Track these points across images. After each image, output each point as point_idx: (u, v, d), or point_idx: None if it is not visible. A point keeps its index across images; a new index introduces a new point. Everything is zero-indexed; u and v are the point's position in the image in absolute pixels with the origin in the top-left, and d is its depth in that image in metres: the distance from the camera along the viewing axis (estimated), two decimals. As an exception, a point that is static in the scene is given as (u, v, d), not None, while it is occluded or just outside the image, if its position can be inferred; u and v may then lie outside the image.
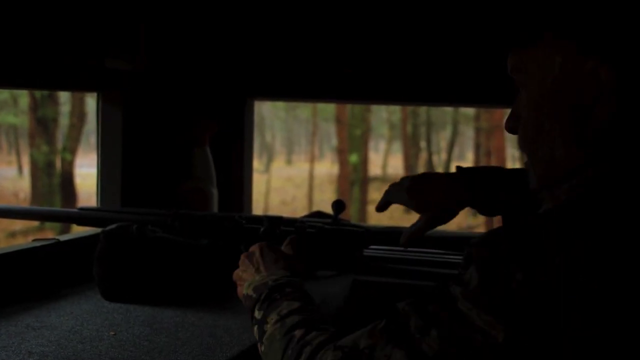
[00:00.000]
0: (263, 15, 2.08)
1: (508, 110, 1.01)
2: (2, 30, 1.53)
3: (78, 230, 1.87)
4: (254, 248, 1.24)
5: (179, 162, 2.06)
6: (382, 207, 1.34)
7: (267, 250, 1.23)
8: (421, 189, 1.28)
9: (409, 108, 14.39)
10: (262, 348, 1.05)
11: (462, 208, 1.28)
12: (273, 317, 1.05)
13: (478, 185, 1.27)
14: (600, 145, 0.87)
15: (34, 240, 1.73)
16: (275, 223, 1.54)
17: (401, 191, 1.29)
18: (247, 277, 1.20)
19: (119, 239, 1.59)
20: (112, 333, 1.37)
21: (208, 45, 2.10)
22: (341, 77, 2.09)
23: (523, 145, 0.97)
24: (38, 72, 1.66)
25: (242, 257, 1.24)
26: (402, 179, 1.32)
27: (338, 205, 1.56)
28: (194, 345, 1.31)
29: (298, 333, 0.99)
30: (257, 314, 1.09)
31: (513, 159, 11.16)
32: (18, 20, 1.56)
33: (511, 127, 1.00)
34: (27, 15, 1.59)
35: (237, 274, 1.23)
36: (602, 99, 0.86)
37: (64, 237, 1.76)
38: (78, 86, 1.83)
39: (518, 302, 0.77)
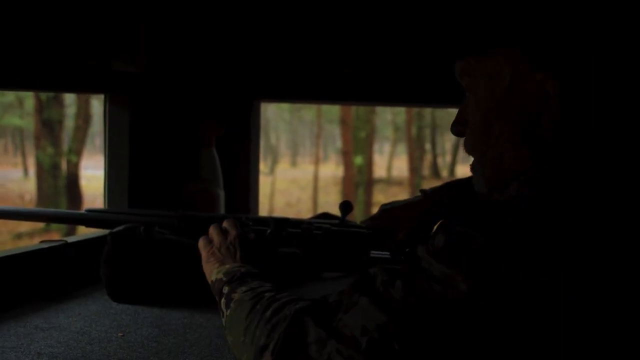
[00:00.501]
0: (269, 16, 2.09)
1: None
2: (8, 33, 1.53)
3: (85, 232, 1.87)
4: (233, 234, 1.27)
5: (185, 164, 2.06)
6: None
7: (246, 243, 1.26)
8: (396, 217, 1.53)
9: (414, 110, 14.38)
10: (228, 312, 1.07)
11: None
12: (243, 288, 1.08)
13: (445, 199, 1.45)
14: (547, 149, 0.91)
15: (42, 241, 1.73)
16: (281, 225, 1.54)
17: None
18: (216, 261, 1.22)
19: (126, 241, 1.59)
20: (121, 334, 1.37)
21: (214, 47, 2.10)
22: (347, 78, 2.09)
23: (471, 149, 1.00)
24: (45, 74, 1.66)
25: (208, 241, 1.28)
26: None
27: (345, 206, 1.56)
28: (203, 346, 1.31)
29: (268, 294, 1.03)
30: (225, 289, 1.11)
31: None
32: (24, 22, 1.57)
33: (457, 131, 1.03)
34: (33, 17, 1.59)
35: (207, 254, 1.26)
36: (549, 109, 0.90)
37: (71, 239, 1.77)
38: (85, 88, 1.84)
39: (478, 260, 0.80)
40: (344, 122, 13.56)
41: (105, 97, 1.93)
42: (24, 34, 1.57)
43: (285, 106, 14.99)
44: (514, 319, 0.79)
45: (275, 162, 15.44)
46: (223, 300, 1.11)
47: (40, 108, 11.24)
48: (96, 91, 1.92)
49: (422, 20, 2.02)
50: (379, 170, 16.37)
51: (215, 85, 2.13)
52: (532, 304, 0.79)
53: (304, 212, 12.49)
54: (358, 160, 14.05)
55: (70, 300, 1.60)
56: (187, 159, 2.07)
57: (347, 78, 2.08)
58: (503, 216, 0.83)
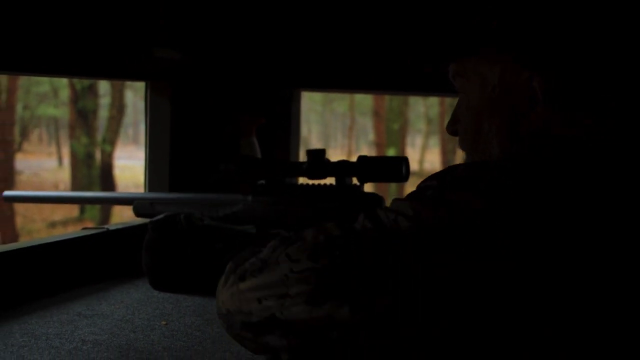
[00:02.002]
0: (312, 5, 2.07)
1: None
2: (51, 20, 1.53)
3: (126, 220, 1.88)
4: None
5: (225, 153, 2.05)
6: None
7: None
8: None
9: (447, 102, 14.30)
10: None
11: None
12: None
13: None
14: (532, 143, 0.95)
15: (84, 228, 1.73)
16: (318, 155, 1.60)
17: None
18: None
19: (167, 229, 1.58)
20: (164, 323, 1.36)
21: (255, 35, 2.09)
22: (391, 67, 2.06)
23: (463, 146, 1.05)
24: (86, 60, 1.66)
25: None
26: None
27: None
28: (246, 336, 1.30)
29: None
30: None
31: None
32: (66, 8, 1.56)
33: (452, 130, 1.08)
34: (76, 3, 1.58)
35: None
36: (536, 106, 0.94)
37: (112, 227, 1.76)
38: (127, 75, 1.83)
39: (427, 200, 0.86)
40: (377, 114, 13.51)
41: (146, 85, 1.92)
42: (66, 21, 1.56)
43: (317, 98, 14.97)
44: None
45: (307, 153, 15.41)
46: None
47: (75, 98, 11.35)
48: (138, 78, 1.91)
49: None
50: (411, 163, 16.29)
51: (256, 75, 2.12)
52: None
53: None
54: (391, 152, 14.00)
55: (112, 287, 1.59)
56: (227, 149, 2.05)
57: (391, 67, 2.06)
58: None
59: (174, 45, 1.88)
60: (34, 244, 1.54)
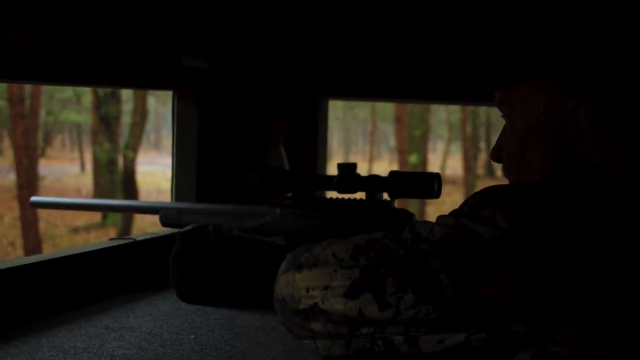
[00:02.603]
0: (338, 14, 2.04)
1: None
2: (79, 30, 1.51)
3: (153, 230, 1.86)
4: None
5: (252, 162, 2.03)
6: None
7: None
8: None
9: (469, 108, 14.23)
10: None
11: None
12: None
13: None
14: (572, 171, 0.96)
15: (111, 239, 1.72)
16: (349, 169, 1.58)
17: None
18: None
19: (195, 240, 1.56)
20: (193, 337, 1.34)
21: (282, 44, 2.07)
22: (419, 75, 2.03)
23: (507, 172, 1.07)
24: (115, 70, 1.64)
25: None
26: None
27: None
28: (277, 350, 1.27)
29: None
30: None
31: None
32: (96, 18, 1.55)
33: (496, 157, 1.10)
34: (105, 13, 1.57)
35: None
36: (581, 136, 0.95)
37: (140, 237, 1.74)
38: (154, 84, 1.81)
39: (464, 215, 0.90)
40: (399, 120, 13.48)
41: (173, 94, 1.90)
42: (94, 30, 1.55)
43: (339, 104, 14.95)
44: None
45: (328, 159, 15.44)
46: None
47: (97, 104, 11.42)
48: (165, 88, 1.89)
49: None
50: (433, 168, 16.24)
51: (283, 84, 2.10)
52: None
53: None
54: (413, 158, 13.96)
55: (139, 299, 1.57)
56: (254, 157, 2.03)
57: (419, 75, 2.03)
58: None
59: (201, 53, 1.86)
60: (60, 255, 1.53)
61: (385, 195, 1.57)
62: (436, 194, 1.52)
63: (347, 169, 1.56)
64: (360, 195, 1.59)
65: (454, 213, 0.92)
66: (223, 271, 1.55)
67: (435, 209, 13.67)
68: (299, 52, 2.09)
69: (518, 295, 0.84)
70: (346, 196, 1.59)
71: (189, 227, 1.57)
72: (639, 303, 0.82)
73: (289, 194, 1.61)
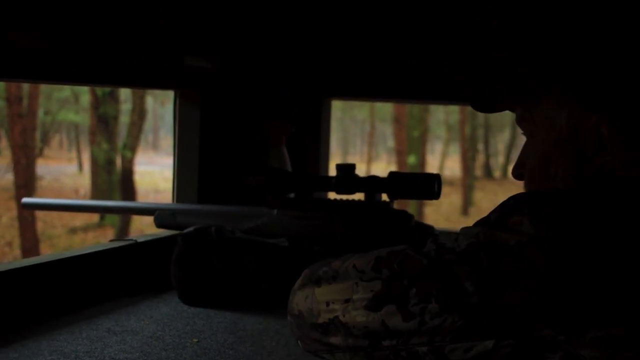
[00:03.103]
0: (340, 14, 2.02)
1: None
2: (81, 28, 1.49)
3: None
4: None
5: (254, 162, 2.01)
6: None
7: None
8: None
9: (468, 109, 14.22)
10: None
11: None
12: None
13: None
14: (596, 183, 0.96)
15: (111, 240, 1.70)
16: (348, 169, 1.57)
17: None
18: None
19: (197, 242, 1.54)
20: (195, 340, 1.31)
21: (285, 44, 2.05)
22: (422, 76, 2.01)
23: (529, 189, 1.06)
24: (116, 69, 1.62)
25: None
26: None
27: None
28: (282, 355, 1.25)
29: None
30: None
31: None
32: (98, 17, 1.53)
33: (518, 174, 1.09)
34: (106, 12, 1.55)
35: None
36: (603, 151, 0.95)
37: (140, 238, 1.72)
38: (156, 84, 1.79)
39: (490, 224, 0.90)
40: (398, 121, 13.45)
41: (175, 94, 1.88)
42: (96, 29, 1.53)
43: (337, 104, 14.93)
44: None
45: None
46: None
47: (95, 104, 11.38)
48: (167, 87, 1.87)
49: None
50: (431, 169, 16.20)
51: (286, 84, 2.08)
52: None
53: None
54: (411, 159, 13.94)
55: (140, 302, 1.55)
56: (256, 158, 2.02)
57: (422, 75, 2.01)
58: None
59: (203, 53, 1.84)
60: (60, 257, 1.51)
61: (385, 197, 1.55)
62: (436, 195, 1.51)
63: (346, 169, 1.55)
64: (359, 196, 1.58)
65: (479, 223, 0.92)
66: (225, 273, 1.53)
67: (433, 210, 13.66)
68: (301, 52, 2.07)
69: (544, 300, 0.84)
70: (345, 197, 1.58)
71: (190, 229, 1.55)
72: None
73: (287, 195, 1.60)
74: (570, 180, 0.98)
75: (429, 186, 1.50)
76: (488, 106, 1.12)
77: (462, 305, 0.88)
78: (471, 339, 0.88)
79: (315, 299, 1.03)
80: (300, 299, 1.07)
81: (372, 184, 1.54)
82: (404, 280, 0.92)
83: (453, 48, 1.95)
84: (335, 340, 1.01)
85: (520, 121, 1.06)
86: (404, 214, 1.55)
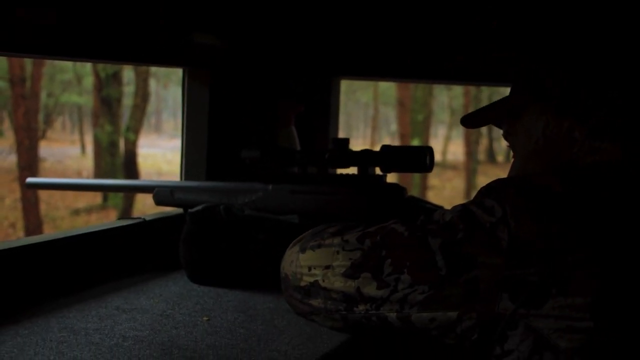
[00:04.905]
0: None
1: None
2: (91, 4, 1.47)
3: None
4: None
5: (263, 142, 1.99)
6: None
7: None
8: None
9: (472, 93, 14.18)
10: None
11: None
12: None
13: None
14: (562, 169, 1.06)
15: (120, 219, 1.68)
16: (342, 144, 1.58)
17: None
18: None
19: (206, 220, 1.52)
20: (206, 318, 1.30)
21: (294, 22, 2.03)
22: (430, 56, 1.99)
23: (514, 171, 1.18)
24: (126, 45, 1.60)
25: None
26: None
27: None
28: (293, 334, 1.24)
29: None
30: None
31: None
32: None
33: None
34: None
35: None
36: (579, 153, 1.05)
37: (149, 217, 1.71)
38: (166, 61, 1.77)
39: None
40: (401, 104, 13.40)
41: (184, 72, 1.86)
42: (107, 4, 1.50)
43: (341, 87, 14.89)
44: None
45: (329, 143, 15.35)
46: None
47: (99, 86, 11.34)
48: (176, 65, 1.85)
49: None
50: (435, 153, 16.17)
51: (295, 63, 2.06)
52: None
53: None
54: (415, 143, 13.90)
55: (149, 280, 1.54)
56: (265, 137, 2.00)
57: (430, 55, 1.99)
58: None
59: (214, 31, 1.82)
60: (69, 234, 1.50)
61: (378, 170, 1.55)
62: (428, 168, 1.50)
63: (340, 143, 1.56)
64: (354, 170, 1.58)
65: (466, 202, 1.03)
66: (235, 251, 1.51)
67: (435, 194, 13.64)
68: (310, 31, 2.05)
69: (507, 273, 0.93)
70: (339, 171, 1.59)
71: (199, 207, 1.54)
72: (618, 277, 0.90)
73: (283, 170, 1.60)
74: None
75: (420, 158, 1.50)
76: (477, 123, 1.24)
77: (431, 276, 0.98)
78: (436, 309, 0.98)
79: (299, 264, 1.16)
80: (287, 263, 1.20)
81: (365, 157, 1.54)
82: (383, 251, 1.03)
83: (453, 47, 1.94)
84: (315, 302, 1.14)
85: (506, 136, 1.18)
86: (396, 187, 1.55)
